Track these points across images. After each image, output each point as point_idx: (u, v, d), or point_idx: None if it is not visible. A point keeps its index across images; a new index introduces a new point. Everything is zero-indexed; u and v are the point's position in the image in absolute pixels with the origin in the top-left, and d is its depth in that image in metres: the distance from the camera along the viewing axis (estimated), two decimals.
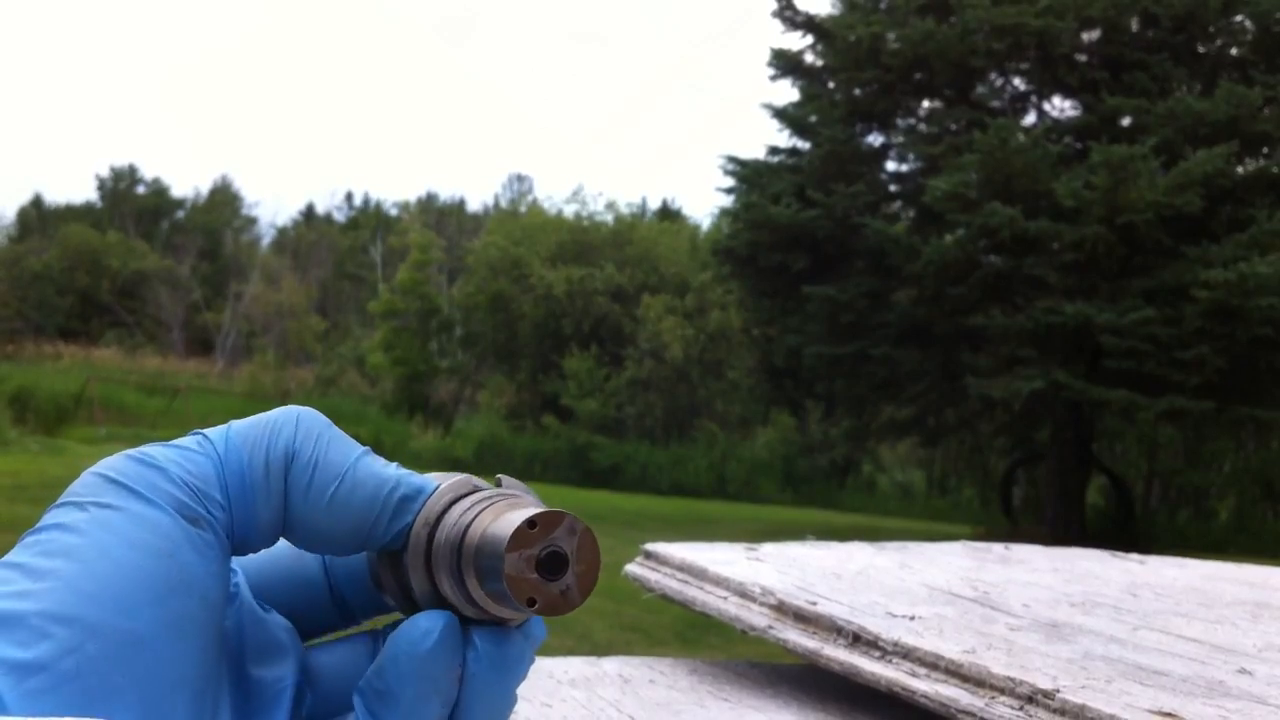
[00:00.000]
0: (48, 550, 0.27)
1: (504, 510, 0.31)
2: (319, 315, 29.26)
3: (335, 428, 0.32)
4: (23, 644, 0.25)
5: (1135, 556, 1.36)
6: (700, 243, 22.25)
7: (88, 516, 0.28)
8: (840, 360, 12.54)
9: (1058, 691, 0.67)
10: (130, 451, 0.30)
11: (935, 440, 15.24)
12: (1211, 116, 10.85)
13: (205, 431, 0.31)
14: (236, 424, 0.32)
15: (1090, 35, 12.19)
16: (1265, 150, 11.61)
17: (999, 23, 11.51)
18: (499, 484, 0.33)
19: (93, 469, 0.30)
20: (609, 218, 24.48)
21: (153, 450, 0.30)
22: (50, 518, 0.29)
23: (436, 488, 0.32)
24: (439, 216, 32.66)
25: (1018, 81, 12.99)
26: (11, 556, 0.28)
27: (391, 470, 0.32)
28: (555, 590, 0.30)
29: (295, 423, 0.32)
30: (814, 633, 0.84)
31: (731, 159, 13.63)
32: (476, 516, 0.31)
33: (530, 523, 0.29)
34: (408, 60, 75.28)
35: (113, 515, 0.28)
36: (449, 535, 0.31)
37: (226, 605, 0.30)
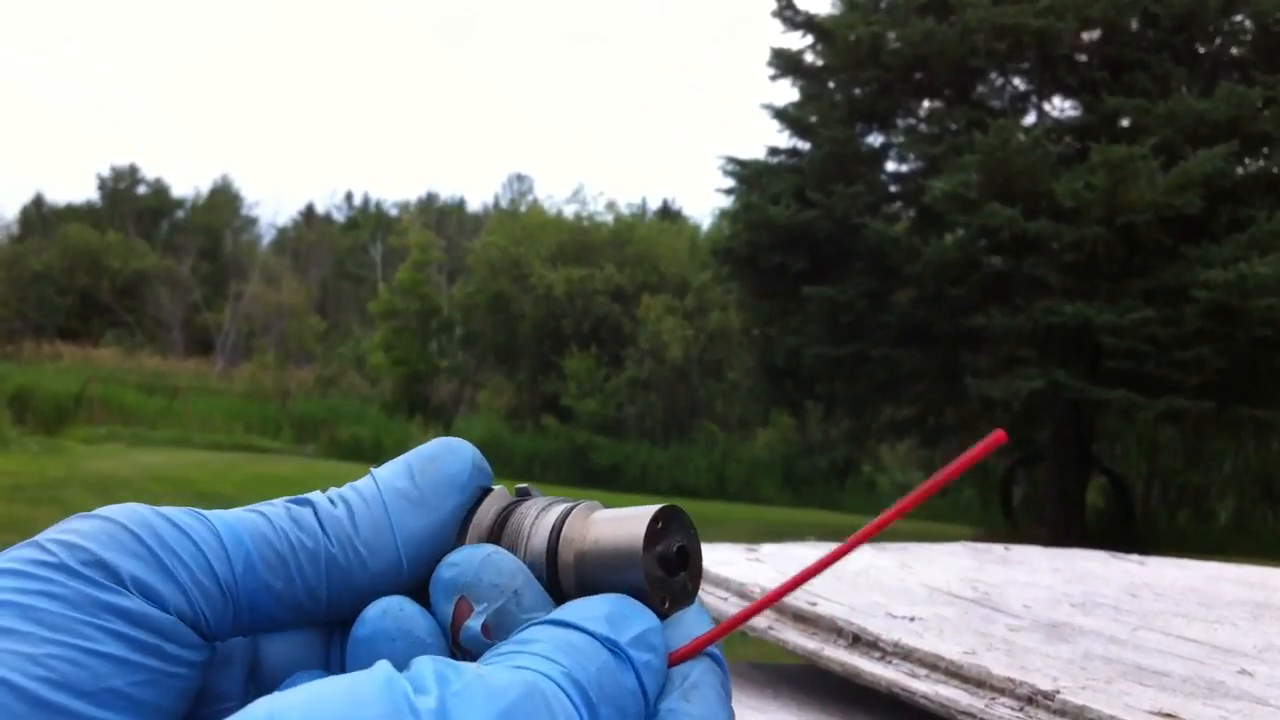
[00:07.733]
0: (24, 613, 0.26)
1: (584, 514, 0.30)
2: (319, 315, 29.26)
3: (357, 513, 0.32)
4: None
5: (1135, 557, 1.36)
6: (700, 243, 22.24)
7: (60, 586, 0.27)
8: (840, 361, 12.52)
9: (1058, 692, 0.67)
10: (148, 521, 0.29)
11: (935, 440, 15.21)
12: (1211, 116, 10.83)
13: (225, 531, 0.30)
14: (255, 536, 0.30)
15: (1090, 35, 12.17)
16: (1265, 150, 11.59)
17: (999, 23, 11.49)
18: (518, 494, 0.33)
19: (118, 519, 0.28)
20: (609, 218, 24.48)
21: (168, 535, 0.29)
22: (42, 549, 0.27)
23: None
24: (439, 216, 32.65)
25: (1018, 81, 12.97)
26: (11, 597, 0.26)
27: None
28: (678, 586, 0.29)
29: (322, 566, 0.31)
30: (814, 633, 0.84)
31: (731, 159, 13.60)
32: (563, 526, 0.30)
33: (656, 520, 0.29)
34: (408, 60, 75.25)
35: (95, 594, 0.27)
36: (531, 555, 0.30)
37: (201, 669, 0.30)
